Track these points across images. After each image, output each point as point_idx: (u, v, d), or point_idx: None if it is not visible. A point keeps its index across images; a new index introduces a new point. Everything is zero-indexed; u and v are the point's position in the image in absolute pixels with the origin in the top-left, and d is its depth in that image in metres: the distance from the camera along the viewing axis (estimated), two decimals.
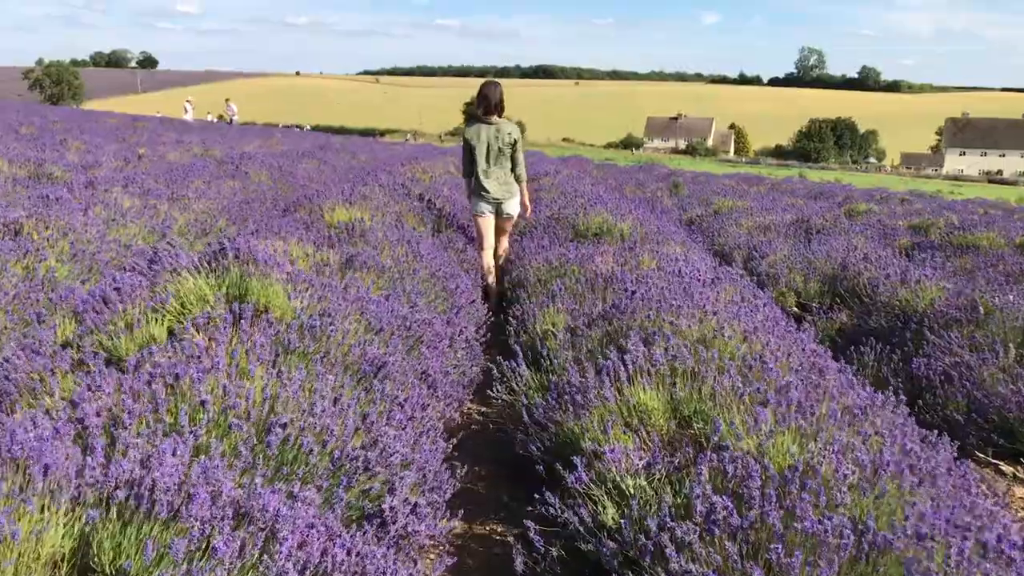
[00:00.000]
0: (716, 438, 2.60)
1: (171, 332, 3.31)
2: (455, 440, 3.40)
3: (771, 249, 6.90)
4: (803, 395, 3.03)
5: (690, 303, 3.67)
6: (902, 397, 3.15)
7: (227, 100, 37.08)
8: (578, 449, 2.92)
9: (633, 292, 3.91)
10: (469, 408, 4.49)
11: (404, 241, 5.25)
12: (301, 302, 3.51)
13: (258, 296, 3.42)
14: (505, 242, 6.84)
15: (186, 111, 35.47)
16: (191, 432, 2.19)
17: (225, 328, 2.96)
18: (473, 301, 5.06)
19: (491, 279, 6.56)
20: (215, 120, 36.16)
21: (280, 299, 3.47)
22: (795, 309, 6.50)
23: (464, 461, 3.92)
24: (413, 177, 8.87)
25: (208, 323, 3.10)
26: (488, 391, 4.06)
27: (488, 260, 6.65)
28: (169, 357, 2.57)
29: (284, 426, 2.32)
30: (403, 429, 2.85)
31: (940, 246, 8.00)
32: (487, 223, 6.67)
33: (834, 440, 2.54)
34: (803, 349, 3.95)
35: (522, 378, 3.78)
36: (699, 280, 4.35)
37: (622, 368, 3.14)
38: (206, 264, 3.65)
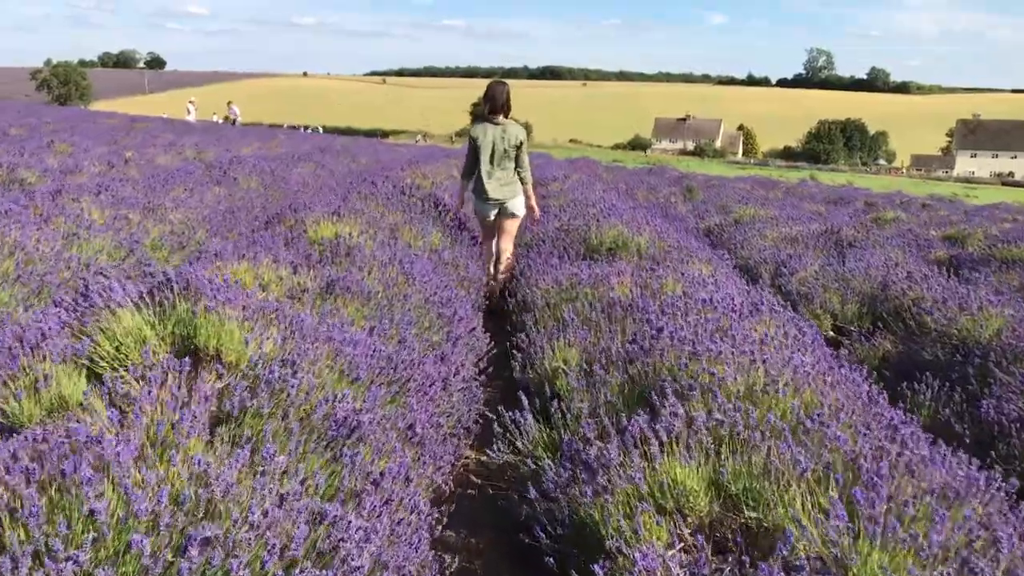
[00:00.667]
0: (786, 551, 1.97)
1: (101, 380, 2.72)
2: (448, 508, 2.80)
3: (801, 264, 6.27)
4: (874, 466, 2.42)
5: (731, 345, 3.04)
6: (1013, 482, 2.51)
7: (229, 103, 36.74)
8: (598, 542, 2.32)
9: (660, 329, 3.29)
10: (466, 460, 3.88)
11: (396, 260, 4.64)
12: (260, 345, 2.90)
13: (207, 338, 2.82)
14: (510, 243, 6.71)
15: (189, 112, 35.09)
16: (68, 558, 1.58)
17: (154, 384, 2.36)
18: (473, 329, 4.45)
19: (493, 272, 6.57)
20: (219, 121, 35.70)
21: (235, 341, 2.86)
22: (831, 333, 5.87)
23: (459, 529, 3.33)
24: (414, 183, 8.28)
25: (141, 377, 2.50)
26: (489, 432, 3.47)
27: (491, 252, 6.69)
28: (66, 435, 1.96)
29: (207, 542, 1.71)
30: (377, 518, 2.25)
31: (982, 260, 7.36)
32: (491, 226, 6.68)
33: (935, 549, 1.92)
34: (860, 396, 3.34)
35: (528, 434, 3.17)
36: (734, 310, 3.73)
37: (652, 435, 2.52)
38: (150, 297, 3.04)
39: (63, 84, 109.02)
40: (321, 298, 3.95)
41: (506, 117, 6.53)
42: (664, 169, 23.96)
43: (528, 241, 6.72)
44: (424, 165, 11.28)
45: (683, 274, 4.69)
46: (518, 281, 5.61)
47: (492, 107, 6.44)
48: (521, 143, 6.50)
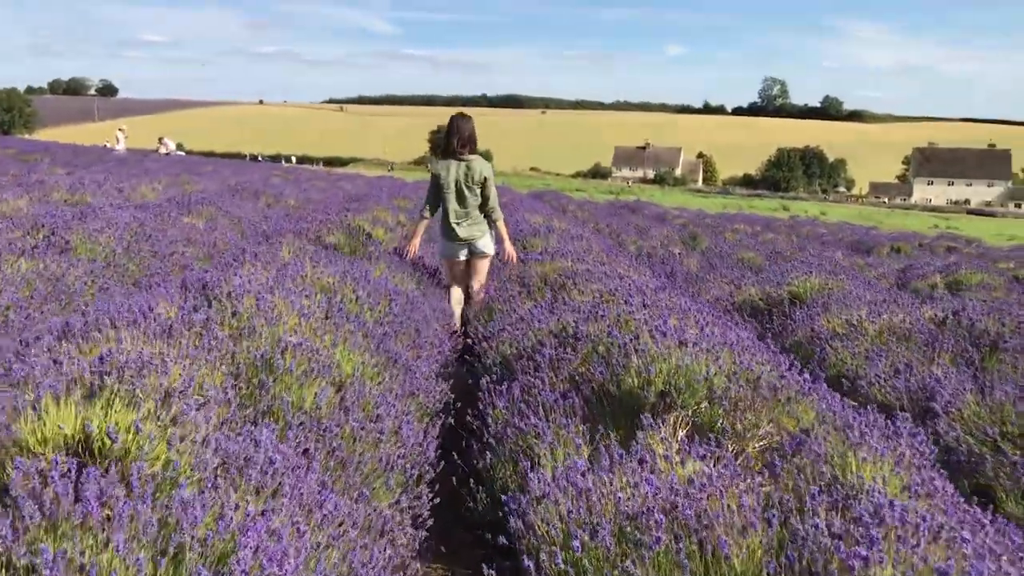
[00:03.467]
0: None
1: None
2: None
3: (945, 388, 3.86)
4: None
5: None
6: None
7: (160, 138, 34.03)
8: None
9: None
10: None
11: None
12: None
13: None
14: (481, 283, 6.34)
15: (118, 141, 32.28)
16: None
17: None
18: None
19: (458, 312, 6.19)
20: (169, 153, 32.75)
21: None
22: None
23: None
24: (329, 243, 5.85)
25: None
26: None
27: (457, 295, 6.36)
28: None
29: None
30: None
31: None
32: (457, 267, 6.38)
33: None
34: None
35: None
36: None
37: None
38: None
39: (7, 111, 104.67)
40: None
41: (471, 152, 6.18)
42: (640, 204, 21.71)
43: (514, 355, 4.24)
44: (362, 211, 8.77)
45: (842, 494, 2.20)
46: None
47: (459, 141, 6.12)
48: (486, 179, 6.19)
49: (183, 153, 60.45)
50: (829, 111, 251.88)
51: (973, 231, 32.81)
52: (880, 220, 42.07)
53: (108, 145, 33.10)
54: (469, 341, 5.18)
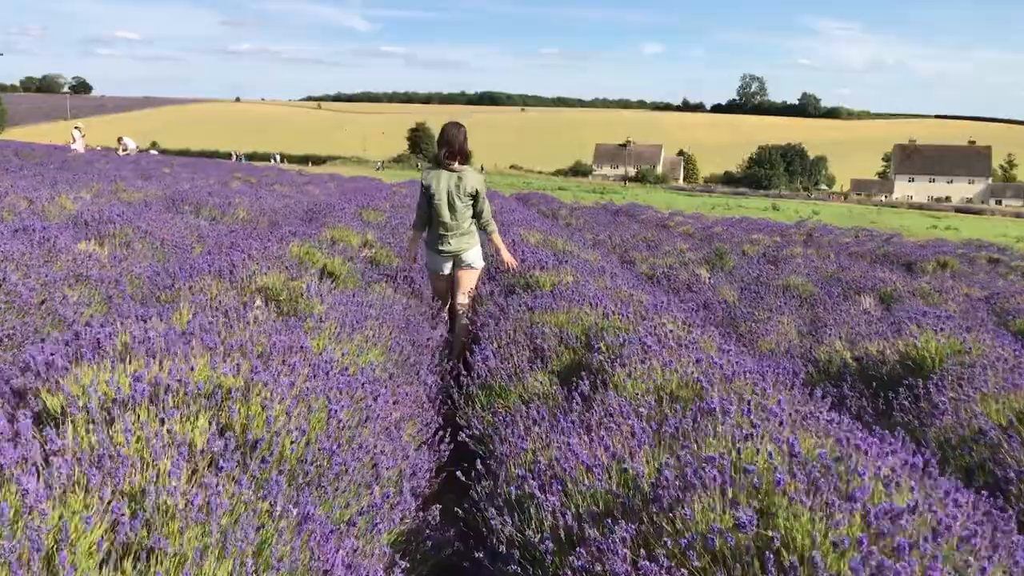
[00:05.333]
0: None
1: None
2: None
3: None
4: None
5: None
6: None
7: (119, 138, 32.40)
8: None
9: None
10: None
11: None
12: None
13: None
14: (466, 297, 6.00)
15: (74, 139, 30.31)
16: None
17: None
18: None
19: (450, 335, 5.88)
20: (129, 153, 30.84)
21: None
22: None
23: None
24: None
25: None
26: None
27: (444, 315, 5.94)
28: None
29: None
30: None
31: None
32: (441, 281, 6.14)
33: None
34: None
35: None
36: None
37: None
38: None
39: None
40: None
41: (463, 163, 5.92)
42: (634, 207, 20.07)
43: None
44: (332, 221, 6.99)
45: None
46: None
47: (449, 152, 5.83)
48: (477, 192, 5.92)
49: (156, 152, 58.03)
50: (807, 108, 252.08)
51: (975, 232, 31.53)
52: (873, 219, 40.82)
53: (67, 142, 31.21)
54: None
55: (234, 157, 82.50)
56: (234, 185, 15.88)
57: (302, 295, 4.01)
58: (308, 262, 5.02)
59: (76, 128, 30.38)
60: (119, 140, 32.14)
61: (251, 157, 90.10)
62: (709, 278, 7.99)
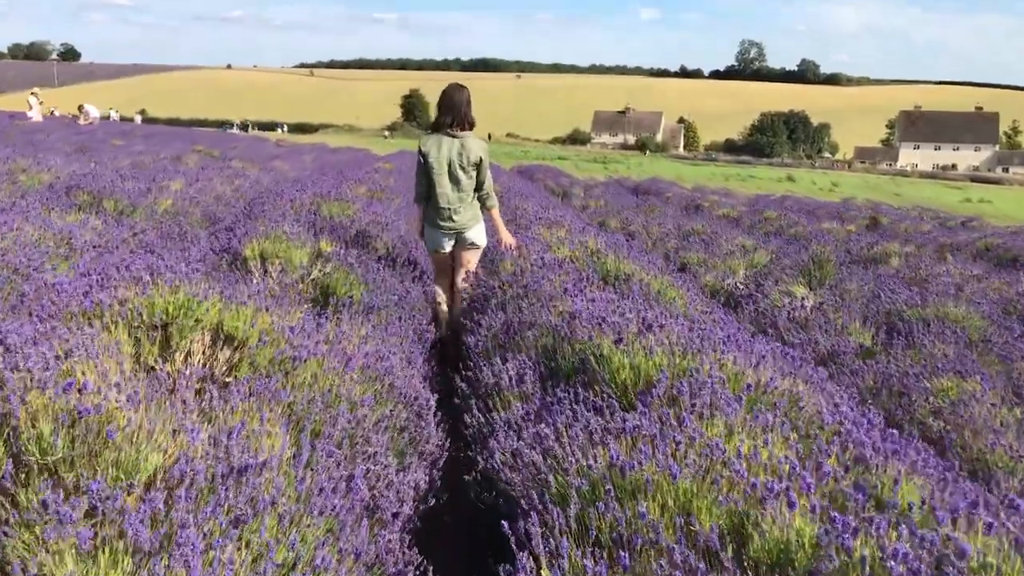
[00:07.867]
0: None
1: None
2: None
3: None
4: None
5: None
6: None
7: (80, 106, 30.29)
8: None
9: None
10: None
11: None
12: None
13: None
14: (465, 275, 5.60)
15: (31, 107, 27.81)
16: None
17: None
18: None
19: (443, 309, 5.65)
20: (92, 122, 28.34)
21: None
22: None
23: None
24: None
25: None
26: None
27: (442, 294, 5.71)
28: None
29: None
30: None
31: None
32: (445, 260, 5.73)
33: None
34: None
35: None
36: None
37: None
38: None
39: None
40: None
41: (466, 129, 5.40)
42: (656, 183, 17.58)
43: None
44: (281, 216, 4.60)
45: None
46: None
47: (452, 117, 5.35)
48: (481, 160, 5.46)
49: (139, 120, 54.53)
50: (807, 74, 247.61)
51: (1011, 207, 29.01)
52: (896, 191, 38.17)
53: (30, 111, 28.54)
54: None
55: (235, 128, 78.64)
56: (190, 161, 13.45)
57: None
58: (175, 334, 2.61)
59: (32, 94, 27.84)
60: (80, 108, 29.81)
61: (245, 127, 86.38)
62: (812, 301, 5.64)
